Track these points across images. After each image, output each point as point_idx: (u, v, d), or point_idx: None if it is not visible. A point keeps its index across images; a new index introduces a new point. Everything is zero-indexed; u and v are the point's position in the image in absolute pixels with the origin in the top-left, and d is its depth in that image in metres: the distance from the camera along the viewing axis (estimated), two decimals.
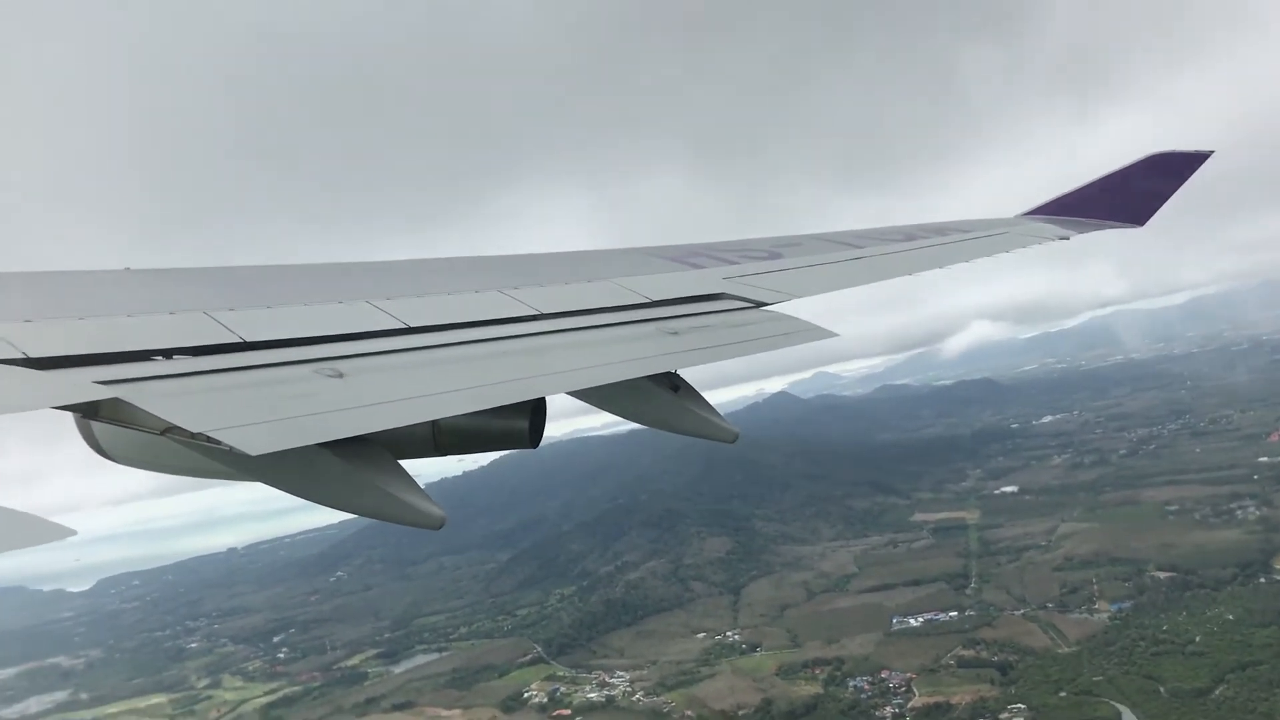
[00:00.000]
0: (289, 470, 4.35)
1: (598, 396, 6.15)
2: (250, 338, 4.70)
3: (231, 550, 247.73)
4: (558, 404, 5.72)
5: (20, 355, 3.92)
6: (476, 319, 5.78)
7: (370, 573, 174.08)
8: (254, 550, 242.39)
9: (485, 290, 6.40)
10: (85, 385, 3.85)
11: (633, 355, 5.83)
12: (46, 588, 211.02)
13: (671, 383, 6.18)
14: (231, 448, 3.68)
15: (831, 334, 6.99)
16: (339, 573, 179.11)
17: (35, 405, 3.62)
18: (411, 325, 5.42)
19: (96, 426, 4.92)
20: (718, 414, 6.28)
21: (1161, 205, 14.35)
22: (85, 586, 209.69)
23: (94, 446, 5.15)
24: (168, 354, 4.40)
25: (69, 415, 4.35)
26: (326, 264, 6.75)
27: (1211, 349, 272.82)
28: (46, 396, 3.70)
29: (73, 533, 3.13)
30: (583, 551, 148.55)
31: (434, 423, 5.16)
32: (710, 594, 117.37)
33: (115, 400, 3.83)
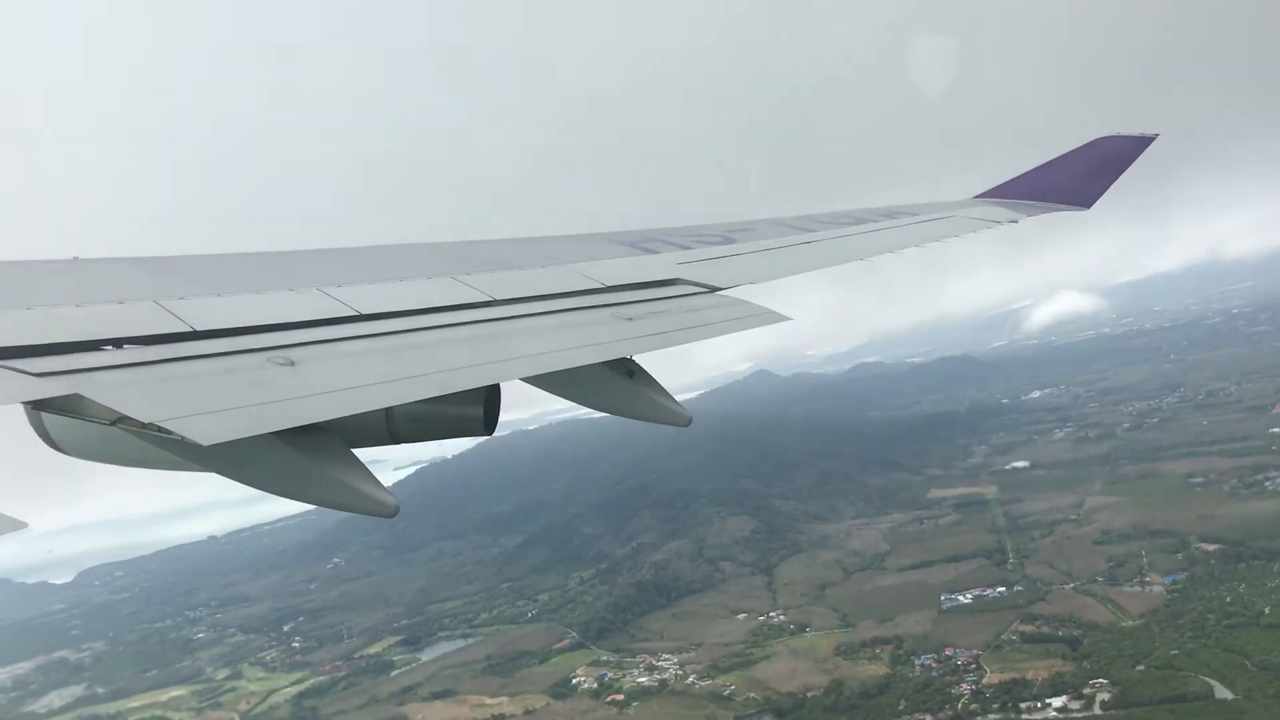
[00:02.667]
0: (241, 460, 4.32)
1: (553, 383, 6.11)
2: (201, 326, 4.66)
3: (212, 538, 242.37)
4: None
5: None
6: (429, 306, 5.75)
7: (369, 559, 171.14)
8: (235, 538, 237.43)
9: (438, 277, 6.36)
10: (35, 376, 3.79)
11: (587, 341, 5.87)
12: (30, 580, 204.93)
13: (627, 368, 6.22)
14: (183, 438, 3.64)
15: (784, 318, 7.05)
16: (335, 559, 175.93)
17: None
18: (364, 313, 5.36)
19: (48, 418, 4.87)
20: (673, 399, 6.34)
21: (1108, 188, 14.60)
22: (67, 579, 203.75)
23: (45, 439, 5.10)
24: (117, 344, 4.34)
25: (20, 406, 4.32)
26: (277, 252, 6.63)
27: (1183, 322, 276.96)
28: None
29: (24, 525, 3.06)
30: (596, 534, 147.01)
31: (387, 411, 5.09)
32: (742, 574, 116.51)
33: (64, 390, 3.78)
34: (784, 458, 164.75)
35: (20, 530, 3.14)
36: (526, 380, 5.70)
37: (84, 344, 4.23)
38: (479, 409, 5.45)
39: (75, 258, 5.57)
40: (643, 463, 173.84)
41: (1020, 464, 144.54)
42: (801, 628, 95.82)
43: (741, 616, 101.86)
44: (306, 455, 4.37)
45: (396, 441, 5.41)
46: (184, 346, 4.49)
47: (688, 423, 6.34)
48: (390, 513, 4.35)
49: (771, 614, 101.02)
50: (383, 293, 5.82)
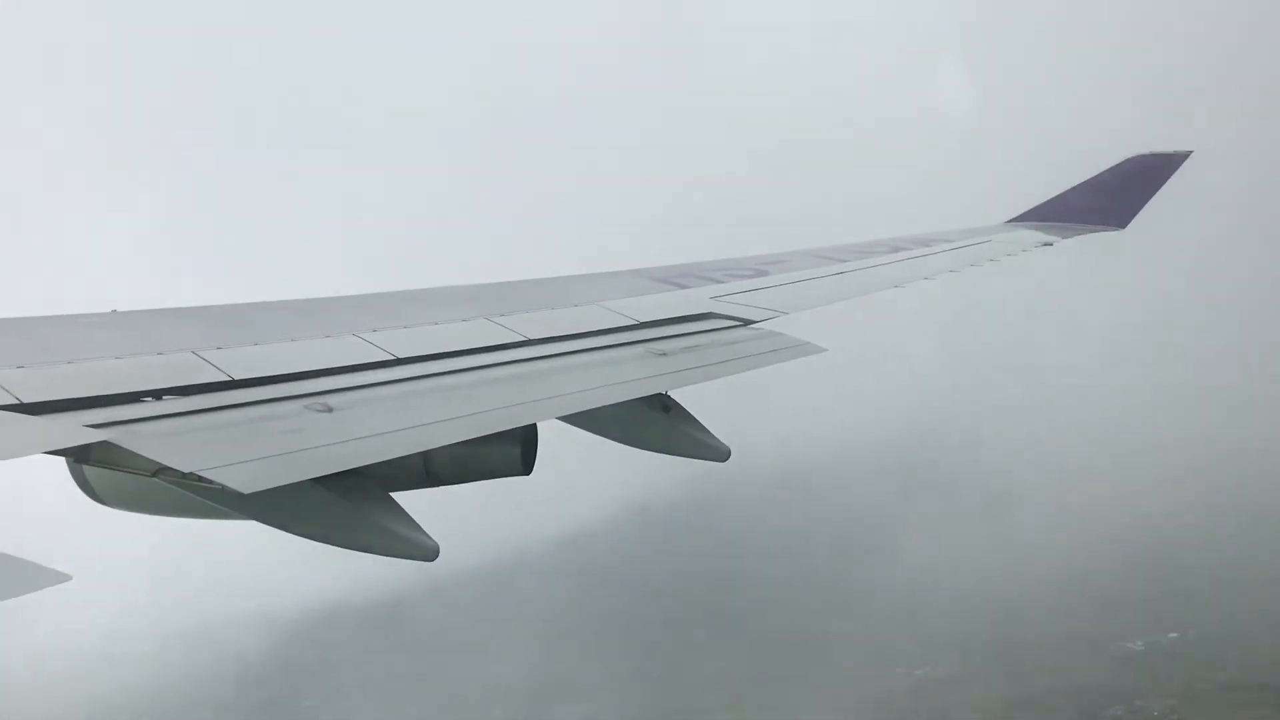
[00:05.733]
0: (281, 507, 4.39)
1: (589, 421, 6.21)
2: (239, 376, 4.82)
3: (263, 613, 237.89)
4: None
5: (14, 400, 3.93)
6: (464, 348, 5.97)
7: (453, 621, 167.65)
8: (291, 609, 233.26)
9: (472, 319, 6.44)
10: (76, 429, 3.93)
11: (622, 378, 6.18)
12: (113, 650, 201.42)
13: (662, 404, 6.43)
14: (224, 487, 3.78)
15: (820, 349, 7.16)
16: (410, 626, 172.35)
17: (28, 451, 3.60)
18: (400, 357, 5.61)
19: (89, 471, 5.02)
20: (709, 434, 6.50)
21: (1143, 206, 14.77)
22: (148, 649, 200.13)
23: (87, 491, 5.27)
24: (157, 395, 4.48)
25: (61, 460, 4.40)
26: (313, 299, 6.70)
27: None
28: (39, 441, 3.75)
29: (68, 578, 3.11)
30: (685, 581, 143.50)
31: (425, 454, 5.14)
32: (872, 623, 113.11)
33: (106, 443, 3.88)
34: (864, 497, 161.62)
35: (64, 583, 3.07)
36: (563, 419, 5.70)
37: (124, 396, 4.34)
38: (516, 449, 5.49)
39: (114, 310, 5.65)
40: (712, 509, 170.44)
41: None
42: (966, 680, 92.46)
43: (899, 671, 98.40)
44: (346, 500, 4.42)
45: (434, 484, 5.40)
46: (223, 396, 4.62)
47: (725, 458, 6.42)
48: (430, 556, 4.43)
49: (926, 667, 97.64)
50: (418, 336, 5.91)
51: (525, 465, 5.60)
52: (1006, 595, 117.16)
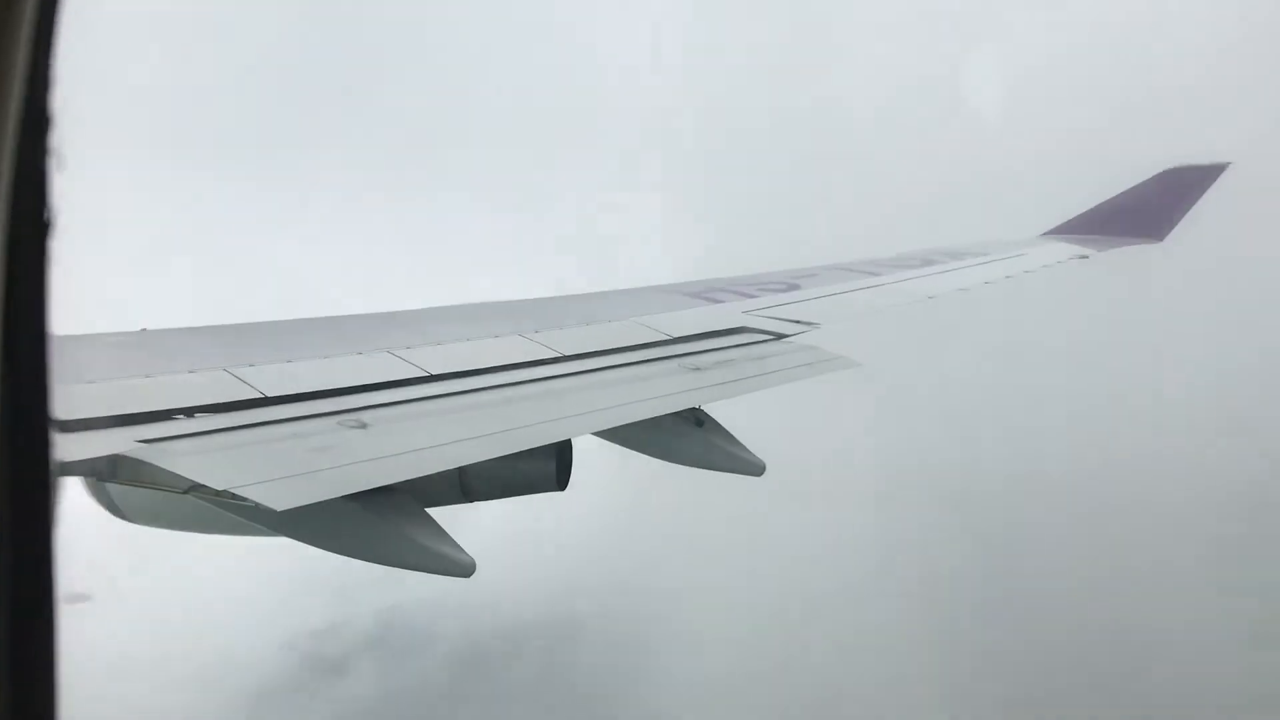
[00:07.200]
0: (316, 524, 4.36)
1: (622, 436, 6.13)
2: (271, 393, 4.70)
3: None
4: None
5: None
6: (498, 364, 5.78)
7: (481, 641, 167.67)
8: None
9: (505, 335, 6.39)
10: (109, 446, 3.85)
11: (656, 393, 6.02)
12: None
13: (696, 418, 6.35)
14: (257, 504, 3.72)
15: (855, 364, 7.20)
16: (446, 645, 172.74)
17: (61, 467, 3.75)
18: (433, 373, 5.42)
19: (112, 488, 5.07)
20: (744, 448, 6.44)
21: (1180, 219, 14.48)
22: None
23: (110, 508, 5.20)
24: (189, 413, 4.38)
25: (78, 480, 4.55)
26: (345, 316, 6.68)
27: None
28: (72, 458, 3.77)
29: (88, 598, 3.10)
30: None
31: (460, 469, 5.09)
32: (942, 642, 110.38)
33: (136, 460, 3.85)
34: None
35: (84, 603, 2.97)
36: (597, 434, 5.61)
37: (157, 414, 4.21)
38: (551, 465, 5.40)
39: (144, 329, 5.56)
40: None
41: None
42: (1058, 698, 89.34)
43: (984, 685, 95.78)
44: (380, 517, 4.32)
45: (469, 500, 5.30)
46: (256, 413, 4.47)
47: (761, 472, 6.33)
48: (467, 573, 4.29)
49: (1020, 688, 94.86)
50: (451, 353, 5.76)
51: (560, 481, 5.54)
52: (1084, 613, 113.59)
